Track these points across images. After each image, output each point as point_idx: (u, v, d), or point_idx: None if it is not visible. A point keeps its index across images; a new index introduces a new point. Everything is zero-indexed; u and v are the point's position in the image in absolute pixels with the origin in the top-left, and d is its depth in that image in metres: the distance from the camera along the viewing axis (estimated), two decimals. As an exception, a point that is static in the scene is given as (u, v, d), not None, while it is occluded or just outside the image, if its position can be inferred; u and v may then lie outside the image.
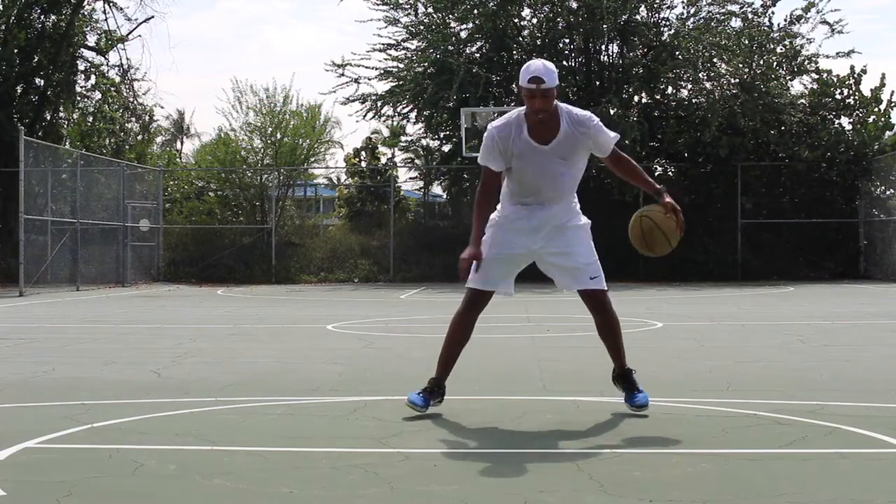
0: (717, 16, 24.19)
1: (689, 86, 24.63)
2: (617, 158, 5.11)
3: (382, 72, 24.54)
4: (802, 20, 24.32)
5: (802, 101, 23.94)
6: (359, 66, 24.89)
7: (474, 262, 4.98)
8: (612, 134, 5.07)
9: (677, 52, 23.47)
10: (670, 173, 25.45)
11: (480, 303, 5.09)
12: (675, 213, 4.97)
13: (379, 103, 24.65)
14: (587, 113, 5.03)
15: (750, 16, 24.23)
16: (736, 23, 24.25)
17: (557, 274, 5.12)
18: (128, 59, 30.65)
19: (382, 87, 24.84)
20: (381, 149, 34.16)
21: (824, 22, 24.20)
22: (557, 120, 4.93)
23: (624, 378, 5.25)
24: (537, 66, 4.85)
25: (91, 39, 27.33)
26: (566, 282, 5.11)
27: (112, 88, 27.41)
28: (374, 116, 24.96)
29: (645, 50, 24.36)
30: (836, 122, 24.18)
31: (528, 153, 4.93)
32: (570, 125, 4.94)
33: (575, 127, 4.95)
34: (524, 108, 4.97)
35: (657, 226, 5.04)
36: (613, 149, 5.07)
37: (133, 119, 28.80)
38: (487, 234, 5.09)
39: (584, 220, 5.17)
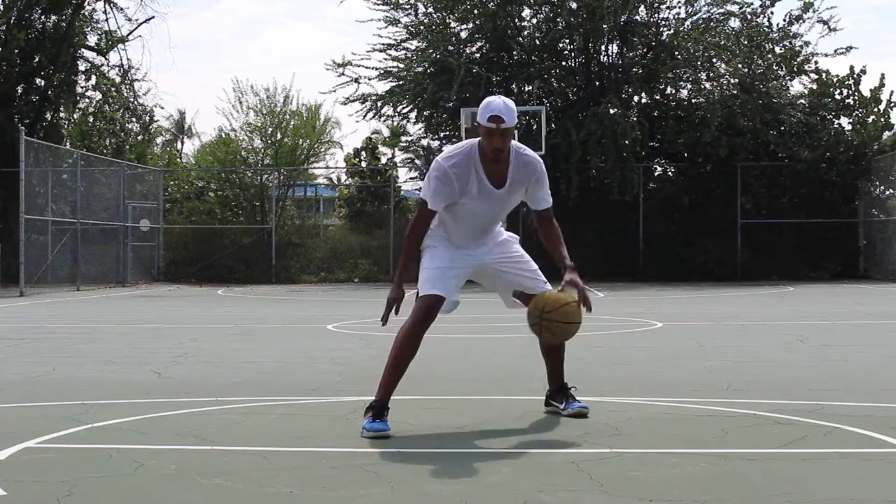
0: (717, 16, 24.20)
1: (689, 86, 24.65)
2: (548, 219, 4.92)
3: (382, 72, 24.55)
4: (801, 20, 24.36)
5: (802, 101, 23.95)
6: (359, 66, 24.94)
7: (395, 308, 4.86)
8: (549, 197, 4.93)
9: (677, 52, 23.48)
10: (670, 173, 25.49)
11: (434, 313, 4.81)
12: (575, 287, 4.66)
13: (379, 103, 24.66)
14: (536, 157, 4.86)
15: (749, 16, 24.26)
16: (735, 23, 24.29)
17: (513, 281, 4.96)
18: (128, 59, 30.57)
19: (382, 87, 24.88)
20: (381, 149, 34.11)
21: (821, 20, 24.25)
22: (508, 159, 4.77)
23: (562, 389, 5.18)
24: (498, 104, 4.63)
25: (91, 40, 27.32)
26: (525, 284, 4.92)
27: (112, 89, 27.38)
28: (374, 116, 25.00)
29: (645, 50, 24.36)
30: (836, 122, 24.18)
31: (482, 195, 4.77)
32: (517, 166, 4.79)
33: (522, 169, 4.80)
34: (473, 141, 4.79)
35: (556, 321, 4.67)
36: (549, 210, 4.92)
37: (133, 119, 28.78)
38: (428, 252, 4.91)
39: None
